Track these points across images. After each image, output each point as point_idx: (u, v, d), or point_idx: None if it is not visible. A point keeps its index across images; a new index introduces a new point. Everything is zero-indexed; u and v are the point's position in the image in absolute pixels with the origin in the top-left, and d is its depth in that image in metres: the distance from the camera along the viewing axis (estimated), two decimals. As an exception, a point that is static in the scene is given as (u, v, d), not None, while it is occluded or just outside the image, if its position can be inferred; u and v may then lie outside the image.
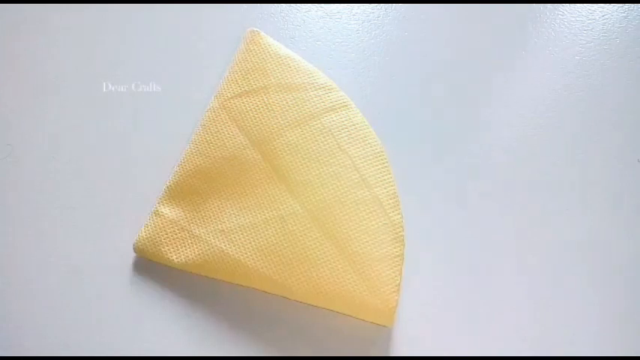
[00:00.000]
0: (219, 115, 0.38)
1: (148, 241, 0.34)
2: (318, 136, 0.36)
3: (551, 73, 0.43)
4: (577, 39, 0.44)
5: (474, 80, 0.42)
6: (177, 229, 0.34)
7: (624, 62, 0.43)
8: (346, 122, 0.37)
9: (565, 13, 0.46)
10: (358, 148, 0.36)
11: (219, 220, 0.34)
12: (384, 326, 0.33)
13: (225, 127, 0.37)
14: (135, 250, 0.35)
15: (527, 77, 0.43)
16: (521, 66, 0.43)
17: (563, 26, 0.45)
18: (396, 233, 0.34)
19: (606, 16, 0.45)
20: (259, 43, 0.40)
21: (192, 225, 0.34)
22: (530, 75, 0.43)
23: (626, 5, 0.46)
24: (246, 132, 0.37)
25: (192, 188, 0.36)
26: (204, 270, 0.34)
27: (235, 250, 0.34)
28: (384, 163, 0.36)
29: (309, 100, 0.38)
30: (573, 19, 0.45)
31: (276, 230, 0.34)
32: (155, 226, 0.35)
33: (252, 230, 0.34)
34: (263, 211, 0.34)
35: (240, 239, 0.34)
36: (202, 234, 0.34)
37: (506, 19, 0.45)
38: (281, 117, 0.37)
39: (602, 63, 0.43)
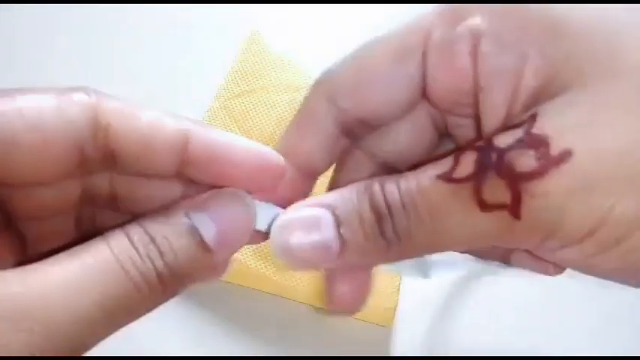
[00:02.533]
0: (220, 115, 0.38)
1: (148, 241, 0.34)
2: (318, 136, 0.36)
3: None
4: (577, 39, 0.44)
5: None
6: (178, 229, 0.34)
7: (624, 62, 0.43)
8: (346, 123, 0.37)
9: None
10: (358, 148, 0.36)
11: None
12: (384, 326, 0.33)
13: (225, 127, 0.37)
14: (135, 250, 0.35)
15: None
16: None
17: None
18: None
19: (606, 17, 0.45)
20: (260, 43, 0.40)
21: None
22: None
23: (626, 5, 0.46)
24: (247, 132, 0.37)
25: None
26: (205, 270, 0.34)
27: (235, 250, 0.34)
28: (384, 164, 0.36)
29: (309, 101, 0.38)
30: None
31: (276, 230, 0.34)
32: (155, 227, 0.35)
33: (252, 230, 0.34)
34: (263, 212, 0.34)
35: (240, 239, 0.34)
36: (202, 234, 0.34)
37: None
38: (281, 117, 0.37)
39: (602, 63, 0.43)
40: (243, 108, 0.38)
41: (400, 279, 0.33)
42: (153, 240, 0.16)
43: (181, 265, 0.17)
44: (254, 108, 0.38)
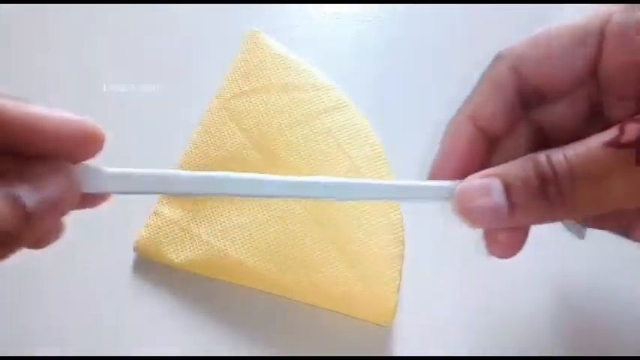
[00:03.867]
0: (220, 115, 0.38)
1: (148, 241, 0.34)
2: (319, 136, 0.36)
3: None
4: (577, 39, 0.44)
5: (473, 80, 0.42)
6: (177, 229, 0.34)
7: (624, 62, 0.43)
8: (346, 122, 0.37)
9: (564, 13, 0.46)
10: (358, 148, 0.36)
11: (219, 220, 0.34)
12: (384, 326, 0.33)
13: (225, 127, 0.37)
14: (135, 250, 0.35)
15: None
16: (521, 66, 0.43)
17: (563, 26, 0.45)
18: (396, 233, 0.34)
19: (606, 16, 0.45)
20: (260, 43, 0.40)
21: (192, 225, 0.35)
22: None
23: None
24: (247, 132, 0.37)
25: (192, 188, 0.36)
26: (205, 270, 0.34)
27: (235, 250, 0.34)
28: (384, 164, 0.36)
29: (309, 101, 0.38)
30: (573, 18, 0.45)
31: (275, 230, 0.34)
32: (155, 226, 0.35)
33: (252, 230, 0.34)
34: (263, 211, 0.34)
35: (239, 239, 0.34)
36: (202, 234, 0.34)
37: (507, 20, 0.45)
38: (281, 117, 0.37)
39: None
40: (244, 107, 0.38)
41: (400, 279, 0.33)
42: None
43: (2, 230, 0.18)
44: (254, 108, 0.38)
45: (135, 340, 0.33)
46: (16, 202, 0.19)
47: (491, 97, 0.24)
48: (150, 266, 0.35)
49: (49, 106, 0.20)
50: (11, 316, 0.33)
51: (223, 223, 0.34)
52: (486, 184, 0.22)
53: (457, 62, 0.43)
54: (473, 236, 0.36)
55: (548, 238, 0.36)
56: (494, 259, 0.36)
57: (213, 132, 0.37)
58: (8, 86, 0.41)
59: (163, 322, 0.33)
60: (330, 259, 0.33)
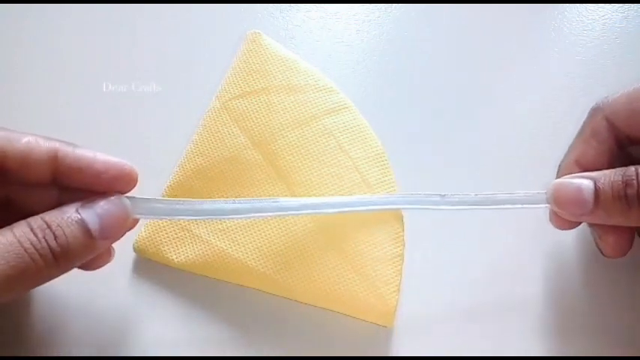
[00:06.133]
0: (221, 116, 0.38)
1: (148, 241, 0.34)
2: (319, 137, 0.37)
3: (551, 73, 0.43)
4: (577, 39, 0.44)
5: (473, 81, 0.42)
6: (178, 229, 0.34)
7: (624, 62, 0.43)
8: (347, 124, 0.37)
9: (565, 13, 0.46)
10: (359, 149, 0.36)
11: (220, 220, 0.34)
12: (384, 326, 0.33)
13: (226, 128, 0.37)
14: (135, 249, 0.35)
15: (527, 78, 0.43)
16: (522, 66, 0.43)
17: (564, 26, 0.45)
18: (396, 233, 0.34)
19: (606, 16, 0.45)
20: (260, 44, 0.40)
21: (192, 224, 0.35)
22: (530, 75, 0.43)
23: (626, 5, 0.46)
24: (247, 132, 0.37)
25: (192, 188, 0.36)
26: (205, 270, 0.34)
27: (235, 249, 0.34)
28: (384, 164, 0.36)
29: (310, 102, 0.38)
30: (573, 19, 0.45)
31: (276, 230, 0.34)
32: (155, 226, 0.35)
33: (252, 230, 0.34)
34: (263, 212, 0.34)
35: (240, 239, 0.34)
36: (202, 234, 0.34)
37: (506, 20, 0.45)
38: (282, 118, 0.37)
39: (602, 63, 0.43)
40: (244, 109, 0.38)
41: (400, 279, 0.33)
42: (49, 226, 0.22)
43: (71, 247, 0.23)
44: (255, 109, 0.38)
45: (134, 340, 0.33)
46: (85, 228, 0.23)
47: (591, 143, 0.29)
48: (150, 266, 0.35)
49: (93, 149, 0.26)
50: (10, 315, 0.33)
51: (223, 223, 0.34)
52: (581, 182, 0.27)
53: (458, 62, 0.43)
54: (473, 237, 0.36)
55: (549, 239, 0.36)
56: (494, 259, 0.36)
57: (213, 132, 0.37)
58: (8, 86, 0.41)
59: (163, 322, 0.33)
60: (330, 258, 0.33)
